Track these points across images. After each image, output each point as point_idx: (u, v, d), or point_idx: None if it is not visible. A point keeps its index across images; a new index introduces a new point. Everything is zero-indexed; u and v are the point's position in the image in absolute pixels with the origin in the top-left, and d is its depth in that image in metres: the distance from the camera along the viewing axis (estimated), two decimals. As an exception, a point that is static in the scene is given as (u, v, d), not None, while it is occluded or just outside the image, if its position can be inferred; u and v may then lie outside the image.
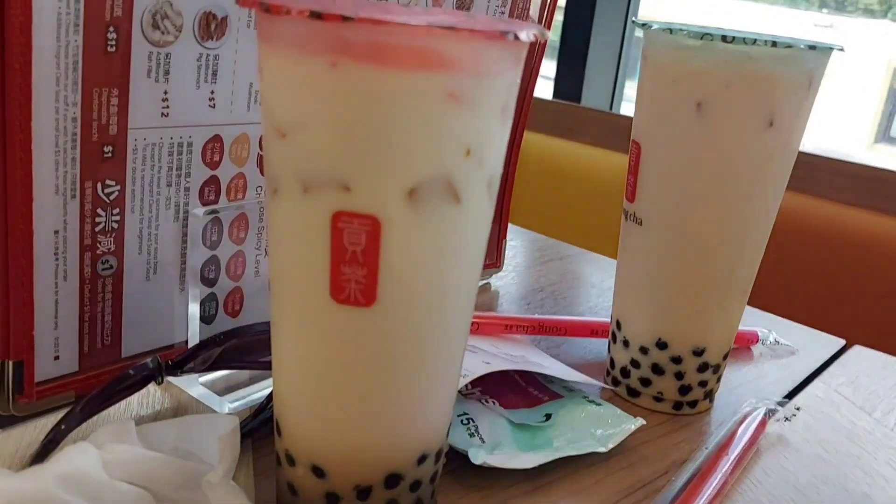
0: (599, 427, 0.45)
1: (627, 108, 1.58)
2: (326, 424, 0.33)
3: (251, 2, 0.27)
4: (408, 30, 0.26)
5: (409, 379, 0.32)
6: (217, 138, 0.45)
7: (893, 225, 1.01)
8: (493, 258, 0.68)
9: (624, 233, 0.49)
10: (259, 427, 0.41)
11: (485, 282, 0.68)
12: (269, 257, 0.33)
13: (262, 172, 0.48)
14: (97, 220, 0.41)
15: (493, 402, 0.46)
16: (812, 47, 0.42)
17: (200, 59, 0.43)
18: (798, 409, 0.49)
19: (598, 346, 0.58)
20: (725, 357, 0.50)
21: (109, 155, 0.41)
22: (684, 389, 0.49)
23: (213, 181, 0.46)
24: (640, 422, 0.45)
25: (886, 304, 1.00)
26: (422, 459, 0.34)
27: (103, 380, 0.40)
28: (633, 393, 0.50)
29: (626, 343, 0.50)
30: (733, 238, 0.46)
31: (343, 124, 0.28)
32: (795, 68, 0.42)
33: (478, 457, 0.40)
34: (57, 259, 0.40)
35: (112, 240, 0.42)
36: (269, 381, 0.45)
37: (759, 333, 0.60)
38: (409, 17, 0.27)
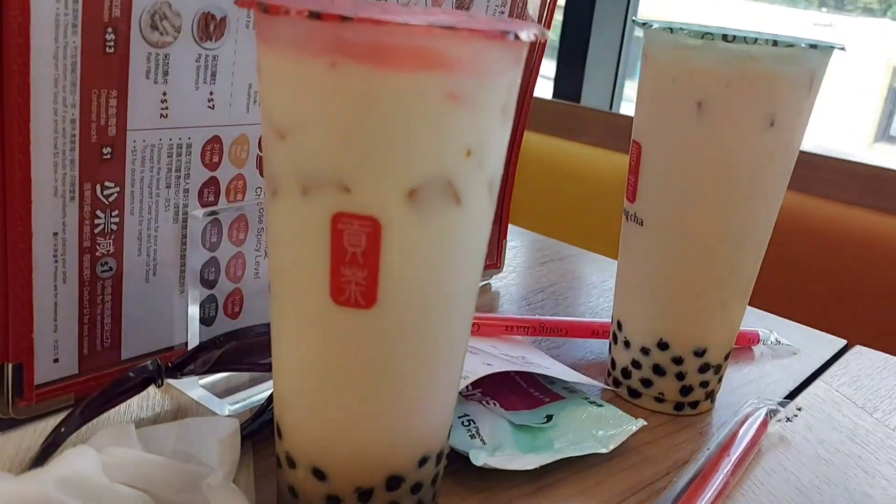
0: (601, 428, 0.45)
1: (627, 108, 1.58)
2: (327, 426, 0.33)
3: (250, 2, 0.27)
4: (407, 30, 0.26)
5: (410, 381, 0.32)
6: (216, 139, 0.45)
7: (894, 224, 1.01)
8: (494, 259, 0.68)
9: (624, 233, 0.49)
10: (259, 429, 0.41)
11: (485, 282, 0.68)
12: (269, 259, 0.32)
13: (261, 174, 0.48)
14: (96, 221, 0.41)
15: (494, 404, 0.46)
16: (813, 46, 0.42)
17: (199, 59, 0.42)
18: (799, 409, 0.49)
19: (598, 347, 0.58)
20: (727, 357, 0.50)
21: (108, 156, 0.41)
22: (685, 390, 0.49)
23: (213, 182, 0.46)
24: (642, 423, 0.45)
25: (887, 304, 1.00)
26: (423, 461, 0.34)
27: (103, 382, 0.40)
28: (634, 394, 0.50)
29: (626, 344, 0.50)
30: (734, 238, 0.46)
31: (343, 125, 0.27)
32: (796, 68, 0.42)
33: (479, 458, 0.40)
34: (56, 261, 0.40)
35: (111, 241, 0.42)
36: (270, 383, 0.45)
37: (761, 334, 0.60)
38: (408, 16, 0.27)
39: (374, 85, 0.27)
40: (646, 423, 0.45)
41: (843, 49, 0.43)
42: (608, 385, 0.52)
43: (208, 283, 0.46)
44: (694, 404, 0.49)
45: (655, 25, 0.44)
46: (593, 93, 1.51)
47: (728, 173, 0.44)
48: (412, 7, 0.31)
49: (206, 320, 0.47)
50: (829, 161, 1.06)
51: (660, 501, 0.41)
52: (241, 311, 0.49)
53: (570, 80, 1.51)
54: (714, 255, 0.46)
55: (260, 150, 0.47)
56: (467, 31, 0.26)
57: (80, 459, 0.33)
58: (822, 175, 1.06)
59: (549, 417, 0.46)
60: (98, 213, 0.41)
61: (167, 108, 0.42)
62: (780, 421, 0.48)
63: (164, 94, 0.42)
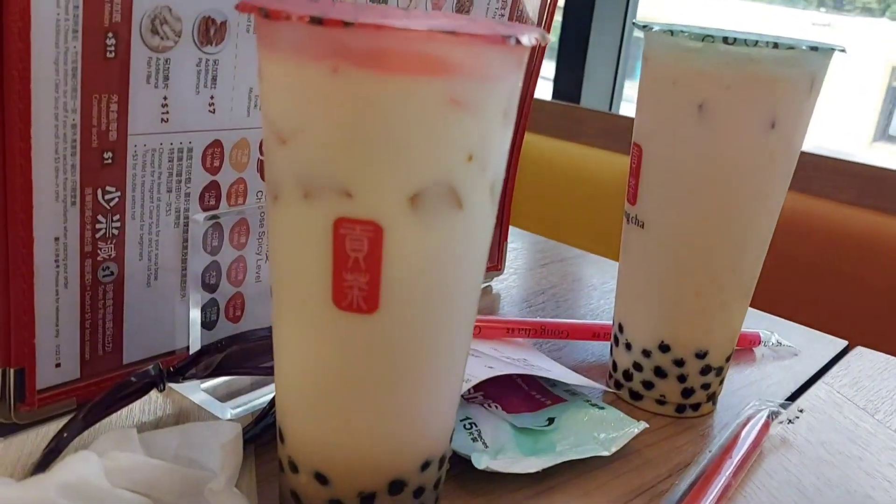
0: (602, 430, 0.45)
1: (626, 109, 1.58)
2: (329, 431, 0.32)
3: (251, 7, 0.27)
4: (409, 35, 0.26)
5: (413, 385, 0.32)
6: (217, 143, 0.45)
7: (895, 224, 1.01)
8: (494, 261, 0.68)
9: (626, 235, 0.49)
10: (261, 433, 0.41)
11: (486, 285, 0.68)
12: (271, 264, 0.32)
13: (262, 177, 0.48)
14: (98, 226, 0.41)
15: (496, 407, 0.46)
16: (814, 49, 0.42)
17: (200, 64, 0.42)
18: (801, 411, 0.49)
19: (600, 349, 0.58)
20: (728, 359, 0.50)
21: (109, 161, 0.41)
22: (687, 392, 0.49)
23: (214, 186, 0.46)
24: (644, 425, 0.45)
25: (888, 305, 1.00)
26: (425, 465, 0.34)
27: (105, 387, 0.40)
28: (635, 396, 0.50)
29: (628, 346, 0.50)
30: (735, 240, 0.46)
31: (344, 130, 0.27)
32: (797, 70, 0.42)
33: (481, 462, 0.40)
34: (58, 266, 0.40)
35: (113, 246, 0.42)
36: (271, 387, 0.45)
37: (762, 335, 0.60)
38: (409, 21, 0.27)
39: (375, 90, 0.27)
40: (647, 425, 0.45)
41: (843, 51, 0.43)
42: (609, 387, 0.52)
43: (210, 287, 0.46)
44: (695, 406, 0.49)
45: (656, 28, 0.44)
46: (593, 94, 1.51)
47: (729, 175, 0.44)
48: (413, 11, 0.31)
49: (207, 324, 0.47)
50: (829, 161, 1.06)
51: (662, 504, 0.41)
52: (243, 314, 0.49)
53: (569, 81, 1.51)
54: (715, 257, 0.46)
55: (261, 153, 0.47)
56: (468, 36, 0.26)
57: (83, 464, 0.33)
58: (822, 175, 1.06)
59: (551, 420, 0.46)
60: (99, 217, 0.41)
61: (168, 112, 0.42)
62: (781, 423, 0.48)
63: (165, 98, 0.42)
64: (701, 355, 0.48)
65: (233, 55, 0.44)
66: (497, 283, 0.69)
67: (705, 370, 0.48)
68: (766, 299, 0.65)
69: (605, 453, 0.43)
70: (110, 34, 0.38)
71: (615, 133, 1.27)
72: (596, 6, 1.46)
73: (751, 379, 0.56)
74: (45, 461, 0.36)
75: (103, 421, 0.39)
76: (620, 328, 0.50)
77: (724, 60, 0.42)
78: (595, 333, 0.58)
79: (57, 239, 0.40)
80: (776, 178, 0.45)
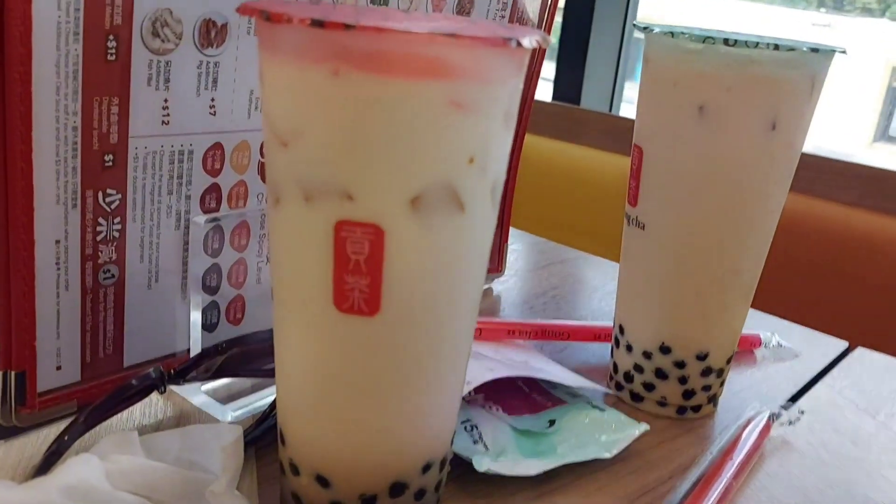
0: (603, 433, 0.45)
1: (626, 109, 1.58)
2: (330, 433, 0.33)
3: (252, 10, 0.27)
4: (410, 37, 0.26)
5: (414, 387, 0.32)
6: (218, 146, 0.45)
7: (895, 225, 1.01)
8: (495, 262, 0.68)
9: (626, 237, 0.49)
10: (262, 436, 0.41)
11: (486, 286, 0.68)
12: (272, 266, 0.32)
13: (263, 180, 0.48)
14: (98, 229, 0.41)
15: (497, 409, 0.46)
16: (815, 50, 0.42)
17: (201, 66, 0.42)
18: (802, 412, 0.49)
19: (601, 351, 0.58)
20: (729, 361, 0.50)
21: (110, 164, 0.41)
22: (688, 394, 0.49)
23: (215, 189, 0.46)
24: (645, 427, 0.45)
25: (889, 305, 1.00)
26: (426, 467, 0.34)
27: (106, 389, 0.40)
28: (636, 398, 0.50)
29: (629, 348, 0.50)
30: (736, 241, 0.46)
31: (345, 133, 0.27)
32: (798, 71, 0.42)
33: (482, 464, 0.40)
34: (58, 269, 0.40)
35: (113, 249, 0.42)
36: (272, 390, 0.45)
37: (762, 337, 0.60)
38: (410, 24, 0.27)
39: (376, 92, 0.27)
40: (648, 427, 0.45)
41: (843, 52, 0.43)
42: (610, 389, 0.52)
43: (210, 290, 0.46)
44: (696, 408, 0.49)
45: (657, 30, 0.44)
46: (593, 95, 1.51)
47: (730, 177, 0.44)
48: (413, 14, 0.31)
49: (208, 326, 0.47)
50: (830, 162, 1.06)
51: (663, 506, 0.41)
52: (244, 317, 0.49)
53: (569, 83, 1.51)
54: (716, 259, 0.46)
55: (262, 156, 0.47)
56: (470, 39, 0.26)
57: (84, 467, 0.33)
58: (822, 176, 1.06)
59: (552, 422, 0.46)
60: (100, 220, 0.41)
61: (169, 114, 0.42)
62: (782, 424, 0.48)
63: (166, 100, 0.42)
64: (702, 357, 0.48)
65: (233, 57, 0.44)
66: (498, 285, 0.69)
67: (706, 372, 0.48)
68: (767, 300, 0.65)
69: (607, 455, 0.43)
70: (111, 36, 0.38)
71: (615, 134, 1.27)
72: (596, 8, 1.46)
73: (752, 380, 0.56)
74: (47, 464, 0.36)
75: (104, 423, 0.39)
76: (621, 330, 0.50)
77: (725, 62, 0.42)
78: (596, 335, 0.58)
79: (58, 241, 0.40)
80: (777, 180, 0.45)
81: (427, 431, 0.33)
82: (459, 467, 0.40)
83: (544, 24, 0.61)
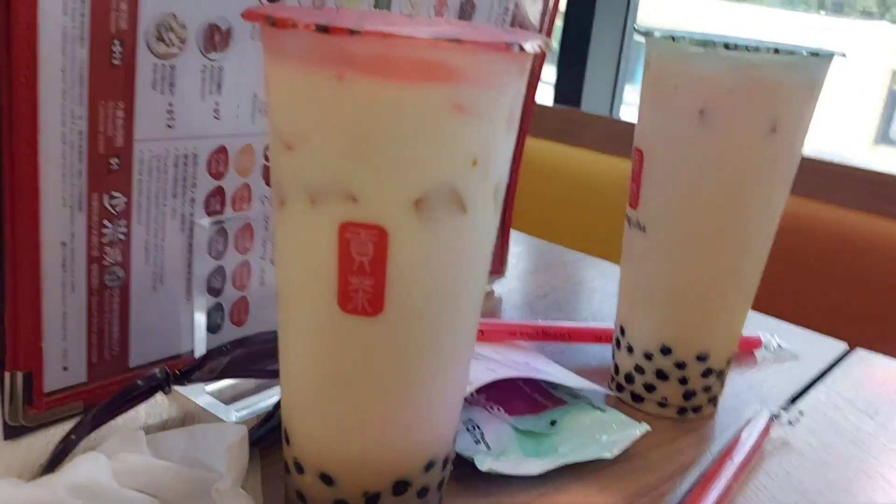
0: (604, 433, 0.45)
1: (626, 112, 1.58)
2: (335, 431, 0.33)
3: (258, 16, 0.28)
4: (414, 42, 0.26)
5: (417, 386, 0.32)
6: (222, 149, 0.45)
7: (895, 228, 1.01)
8: (497, 264, 0.68)
9: (627, 239, 0.50)
10: (267, 435, 0.42)
11: (488, 288, 0.68)
12: (277, 267, 0.33)
13: (267, 183, 0.48)
14: (104, 231, 0.42)
15: (499, 409, 0.46)
16: (814, 54, 0.42)
17: (205, 70, 0.43)
18: (801, 413, 0.50)
19: (601, 352, 0.58)
20: (729, 362, 0.50)
21: (116, 167, 0.41)
22: (688, 395, 0.49)
23: (219, 192, 0.46)
24: (646, 427, 0.45)
25: (889, 308, 1.00)
26: (429, 466, 0.34)
27: (111, 390, 0.40)
28: (637, 398, 0.50)
29: (630, 349, 0.50)
30: (737, 243, 0.46)
31: (350, 136, 0.28)
32: (798, 75, 0.43)
33: (484, 463, 0.41)
34: (65, 270, 0.41)
35: (119, 251, 0.43)
36: (276, 390, 0.46)
37: (763, 338, 0.61)
38: (413, 29, 0.27)
39: (380, 97, 0.27)
40: (649, 427, 0.45)
41: (843, 56, 0.43)
42: (611, 390, 0.52)
43: (214, 292, 0.47)
44: (697, 409, 0.50)
45: (657, 34, 0.44)
46: (593, 98, 1.51)
47: (730, 179, 0.44)
48: (417, 19, 0.32)
49: (212, 328, 0.47)
50: (831, 165, 1.06)
51: (664, 505, 0.41)
52: (247, 318, 0.50)
53: (570, 86, 1.51)
54: (717, 261, 0.46)
55: (265, 159, 0.48)
56: (473, 44, 0.27)
57: (91, 465, 0.34)
58: (823, 179, 1.06)
59: (554, 423, 0.46)
60: (106, 222, 0.42)
61: (173, 118, 0.42)
62: (782, 425, 0.49)
63: (171, 105, 0.42)
64: (702, 358, 0.48)
65: (237, 62, 0.44)
66: (499, 287, 0.69)
67: (707, 373, 0.49)
68: (767, 302, 0.65)
69: (608, 455, 0.43)
70: (116, 41, 0.39)
71: (616, 137, 1.28)
72: (596, 11, 1.46)
73: (752, 382, 0.56)
74: (54, 462, 0.36)
75: (110, 423, 0.39)
76: (622, 331, 0.51)
77: (725, 66, 0.42)
78: (597, 336, 0.58)
79: (64, 244, 0.40)
80: (777, 182, 0.46)
81: (430, 430, 0.34)
82: (462, 467, 0.41)
83: (545, 28, 0.61)
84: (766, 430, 0.47)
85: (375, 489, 0.33)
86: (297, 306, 0.32)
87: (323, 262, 0.29)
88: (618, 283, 0.51)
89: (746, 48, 0.41)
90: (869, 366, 0.61)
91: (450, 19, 0.53)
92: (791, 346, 0.61)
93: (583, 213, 1.28)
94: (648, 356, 0.49)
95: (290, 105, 0.29)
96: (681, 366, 0.48)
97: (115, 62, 0.39)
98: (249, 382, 0.47)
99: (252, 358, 0.43)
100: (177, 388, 0.42)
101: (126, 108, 0.40)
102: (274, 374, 0.36)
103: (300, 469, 0.34)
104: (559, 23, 1.51)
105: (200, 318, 0.46)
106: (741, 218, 0.45)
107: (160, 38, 0.40)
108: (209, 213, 0.46)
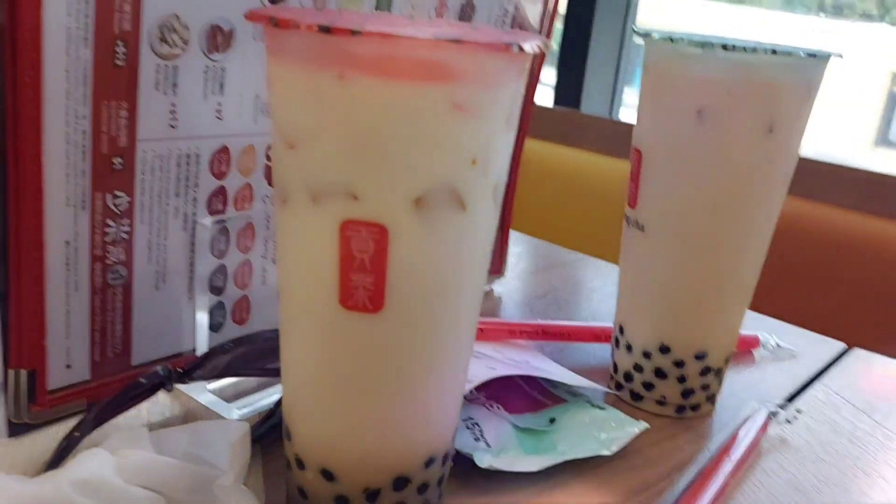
0: (603, 431, 0.45)
1: (625, 114, 1.58)
2: (336, 428, 0.33)
3: (260, 17, 0.28)
4: (414, 43, 0.27)
5: (417, 383, 0.33)
6: (224, 149, 0.46)
7: (894, 229, 1.01)
8: (496, 264, 0.69)
9: (626, 238, 0.50)
10: (268, 432, 0.42)
11: (488, 288, 0.69)
12: (279, 265, 0.33)
13: (269, 183, 0.49)
14: (107, 230, 0.42)
15: (498, 407, 0.47)
16: (811, 55, 0.42)
17: (207, 71, 0.43)
18: (799, 411, 0.50)
19: (601, 351, 0.58)
20: (727, 361, 0.50)
21: (119, 167, 0.41)
22: (687, 393, 0.49)
23: (221, 191, 0.47)
24: (644, 425, 0.46)
25: (886, 308, 1.01)
26: (429, 462, 0.34)
27: (114, 388, 0.40)
28: (636, 397, 0.51)
29: (628, 347, 0.50)
30: (735, 243, 0.46)
31: (351, 135, 0.28)
32: (795, 76, 0.43)
33: (484, 460, 0.41)
34: (68, 269, 0.41)
35: (122, 250, 0.43)
36: (277, 388, 0.46)
37: (761, 337, 0.61)
38: (414, 30, 0.27)
39: (381, 96, 0.27)
40: (648, 425, 0.46)
41: (840, 57, 0.44)
42: (610, 388, 0.52)
43: (216, 290, 0.47)
44: (695, 407, 0.50)
45: (656, 35, 0.45)
46: (593, 99, 1.52)
47: (728, 179, 0.45)
48: (417, 19, 0.32)
49: (214, 326, 0.48)
50: (829, 166, 1.07)
51: (661, 502, 0.41)
52: (249, 317, 0.50)
53: (569, 87, 1.51)
54: (715, 260, 0.47)
55: (267, 159, 0.48)
56: (473, 44, 0.27)
57: (95, 461, 0.34)
58: (821, 180, 1.07)
59: (553, 420, 0.46)
60: (109, 222, 0.42)
61: (176, 119, 0.43)
62: (780, 423, 0.49)
63: (174, 105, 0.42)
64: (701, 357, 0.49)
65: (240, 63, 0.44)
66: (499, 287, 0.70)
67: (705, 371, 0.49)
68: (765, 302, 0.65)
69: (606, 453, 0.44)
70: (120, 42, 0.39)
71: (615, 138, 1.28)
72: (596, 13, 1.47)
73: (750, 380, 0.57)
74: (58, 458, 0.37)
75: (112, 421, 0.40)
76: (621, 330, 0.51)
77: (723, 66, 0.43)
78: (596, 335, 0.58)
79: (67, 243, 0.41)
80: (775, 182, 0.46)
81: (430, 426, 0.34)
82: (462, 464, 0.41)
83: (544, 29, 0.62)
84: (763, 428, 0.47)
85: (376, 485, 0.34)
86: (299, 303, 0.32)
87: (324, 259, 0.30)
88: (617, 283, 0.52)
89: (744, 49, 0.42)
90: (867, 365, 0.61)
91: (450, 20, 0.54)
92: (789, 346, 0.61)
93: (582, 214, 1.28)
94: (647, 355, 0.49)
95: (292, 104, 0.29)
96: (679, 364, 0.49)
97: (119, 63, 0.39)
98: (251, 380, 0.48)
99: (253, 356, 0.44)
100: (179, 386, 0.43)
101: (129, 108, 0.41)
102: (275, 373, 0.36)
103: (301, 465, 0.35)
104: (559, 25, 1.52)
105: (202, 317, 0.46)
106: (739, 217, 0.46)
107: (163, 39, 0.41)
108: (211, 213, 0.46)
